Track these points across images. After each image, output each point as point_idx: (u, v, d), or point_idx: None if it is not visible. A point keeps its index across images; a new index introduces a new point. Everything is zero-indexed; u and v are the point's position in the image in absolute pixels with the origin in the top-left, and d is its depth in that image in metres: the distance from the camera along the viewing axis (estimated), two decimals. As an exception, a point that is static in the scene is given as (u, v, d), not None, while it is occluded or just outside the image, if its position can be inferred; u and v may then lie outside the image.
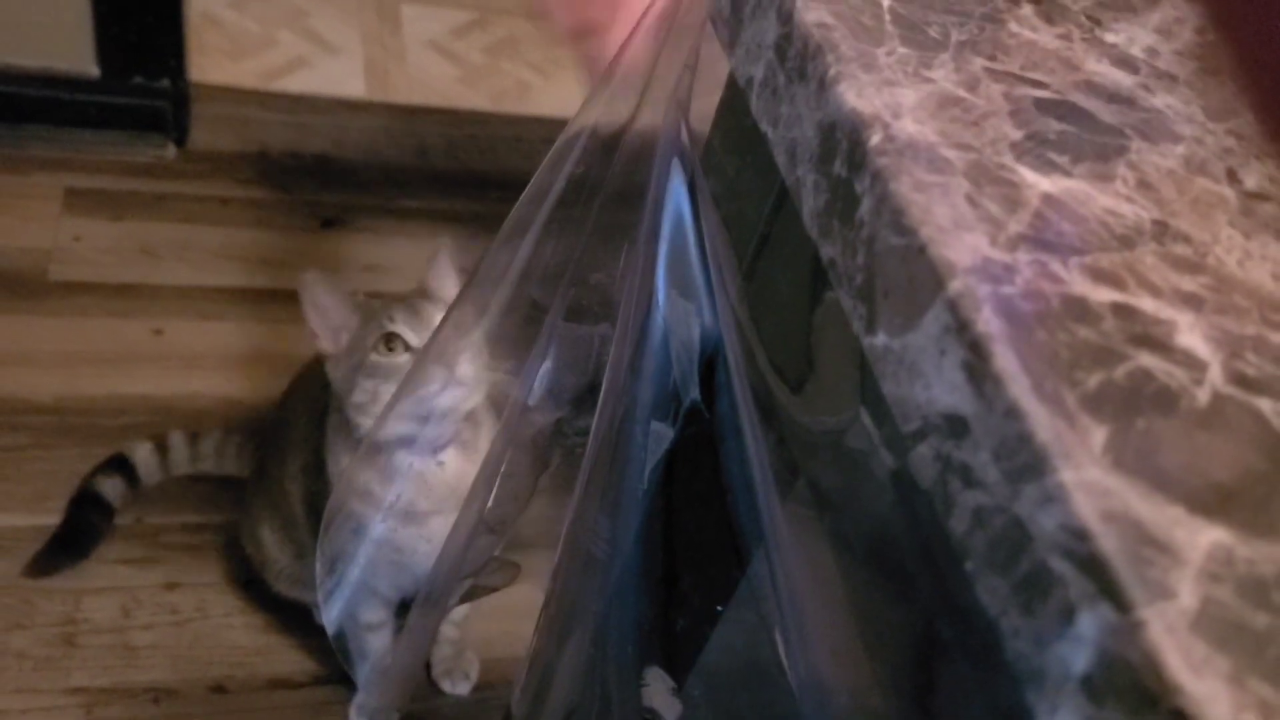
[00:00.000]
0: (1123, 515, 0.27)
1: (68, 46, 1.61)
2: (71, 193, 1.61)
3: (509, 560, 0.89)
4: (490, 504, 0.76)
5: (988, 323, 0.31)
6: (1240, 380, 0.32)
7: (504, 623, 1.12)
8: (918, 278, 0.33)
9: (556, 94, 2.05)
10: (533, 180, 0.58)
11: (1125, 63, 0.44)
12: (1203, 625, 0.25)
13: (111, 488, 1.23)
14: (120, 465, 1.25)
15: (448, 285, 0.99)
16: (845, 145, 0.37)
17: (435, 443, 0.93)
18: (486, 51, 2.10)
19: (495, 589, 0.92)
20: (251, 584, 1.22)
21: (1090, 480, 0.28)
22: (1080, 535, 0.27)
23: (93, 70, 1.64)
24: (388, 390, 0.90)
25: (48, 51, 1.61)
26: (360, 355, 0.92)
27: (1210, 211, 0.38)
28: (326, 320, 0.95)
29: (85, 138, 1.67)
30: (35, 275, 1.48)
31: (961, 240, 0.33)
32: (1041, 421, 0.29)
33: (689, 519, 0.56)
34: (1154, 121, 0.41)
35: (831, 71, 0.39)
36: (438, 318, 0.92)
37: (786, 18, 0.42)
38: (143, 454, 1.26)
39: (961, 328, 0.31)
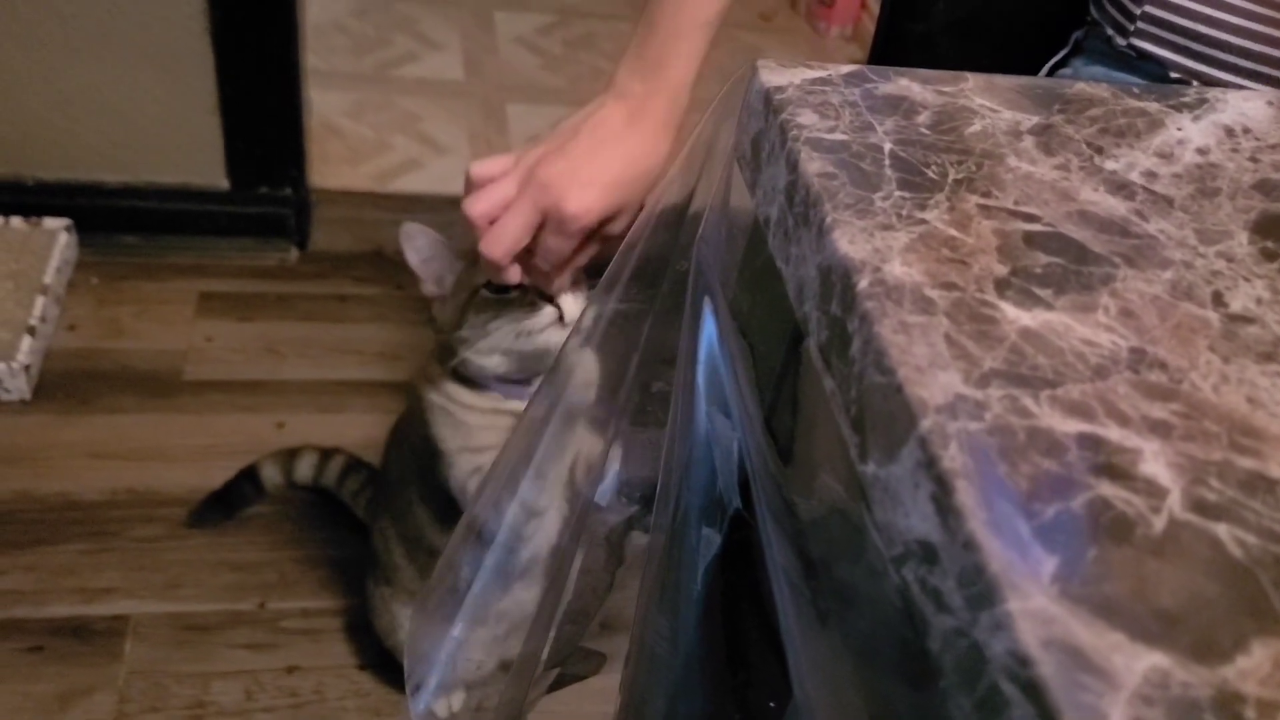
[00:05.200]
0: (1063, 642, 0.30)
1: (201, 163, 1.76)
2: (204, 296, 1.74)
3: (594, 650, 0.92)
4: (570, 597, 0.80)
5: (953, 459, 0.34)
6: (1200, 506, 0.34)
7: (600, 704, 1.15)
8: (896, 414, 0.37)
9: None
10: (590, 300, 0.64)
11: (1122, 189, 0.47)
12: (1129, 748, 0.28)
13: (270, 475, 1.44)
14: (285, 459, 1.45)
15: None
16: (839, 288, 0.41)
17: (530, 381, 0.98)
18: (587, 144, 2.19)
19: (582, 677, 0.96)
20: (365, 668, 1.28)
21: (1035, 609, 0.30)
22: (1023, 661, 0.30)
23: (223, 183, 1.78)
24: (498, 325, 0.94)
25: (184, 168, 1.76)
26: (464, 295, 0.96)
27: (1191, 337, 0.40)
28: (429, 267, 1.00)
29: (217, 245, 1.81)
30: (171, 375, 1.60)
31: (936, 379, 0.37)
32: (995, 553, 0.32)
33: (740, 620, 0.59)
34: (1144, 248, 0.44)
35: (828, 220, 0.42)
36: None
37: (793, 166, 0.46)
38: (306, 459, 1.44)
39: (930, 463, 0.34)
